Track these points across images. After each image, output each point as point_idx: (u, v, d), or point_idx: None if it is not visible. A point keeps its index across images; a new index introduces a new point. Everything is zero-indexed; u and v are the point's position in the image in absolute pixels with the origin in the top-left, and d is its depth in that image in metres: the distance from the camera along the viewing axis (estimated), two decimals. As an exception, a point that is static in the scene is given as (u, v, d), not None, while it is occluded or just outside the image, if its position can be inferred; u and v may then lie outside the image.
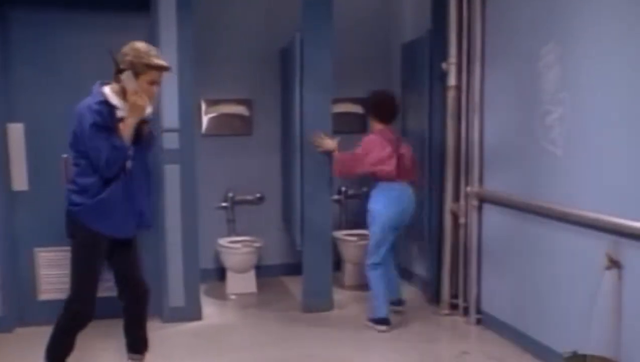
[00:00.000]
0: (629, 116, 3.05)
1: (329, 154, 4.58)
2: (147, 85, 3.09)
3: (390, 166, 4.29)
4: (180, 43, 4.35)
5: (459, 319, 4.58)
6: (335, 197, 5.64)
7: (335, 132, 4.73)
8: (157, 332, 4.15)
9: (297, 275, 5.19)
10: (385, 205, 4.32)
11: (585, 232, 3.33)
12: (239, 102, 5.61)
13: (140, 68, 3.05)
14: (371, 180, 4.47)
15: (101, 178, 3.07)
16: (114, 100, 3.09)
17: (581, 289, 3.38)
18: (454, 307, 4.69)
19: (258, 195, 5.70)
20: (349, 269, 5.50)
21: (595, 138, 3.28)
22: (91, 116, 3.00)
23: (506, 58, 4.11)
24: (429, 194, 4.90)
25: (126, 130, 3.07)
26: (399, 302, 4.69)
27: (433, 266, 4.91)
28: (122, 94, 3.09)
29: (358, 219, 5.33)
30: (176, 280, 4.51)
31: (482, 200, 4.41)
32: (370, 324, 4.41)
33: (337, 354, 4.00)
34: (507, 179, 4.14)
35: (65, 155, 3.22)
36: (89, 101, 3.07)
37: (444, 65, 4.55)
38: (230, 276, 5.33)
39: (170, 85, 4.36)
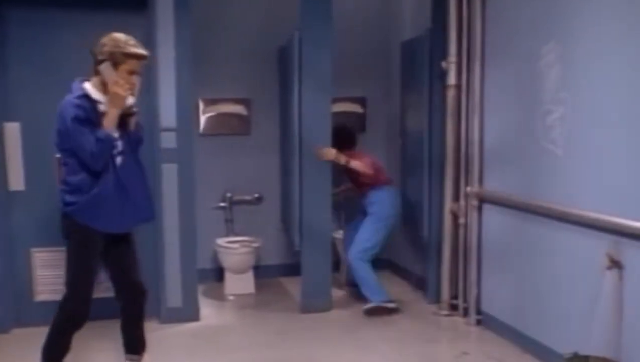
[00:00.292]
0: (629, 116, 3.04)
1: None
2: (126, 75, 3.06)
3: (384, 174, 4.92)
4: (178, 41, 4.33)
5: (459, 319, 4.57)
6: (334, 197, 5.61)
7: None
8: (154, 333, 4.13)
9: (295, 275, 5.18)
10: (385, 206, 4.78)
11: (585, 232, 3.32)
12: (237, 101, 5.59)
13: (119, 58, 3.03)
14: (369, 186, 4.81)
15: (91, 174, 3.05)
16: (96, 94, 3.07)
17: (582, 290, 3.36)
18: (453, 307, 4.67)
19: (256, 195, 5.68)
20: (348, 269, 5.48)
21: (595, 138, 3.27)
22: (72, 111, 2.98)
23: (506, 57, 4.09)
24: (429, 194, 4.88)
25: (109, 122, 3.03)
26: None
27: (432, 266, 4.89)
28: (103, 87, 3.06)
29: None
30: (174, 280, 4.49)
31: (482, 200, 4.39)
32: (374, 304, 4.66)
33: (336, 355, 3.98)
34: (507, 179, 4.12)
35: (58, 156, 3.19)
36: (69, 97, 3.05)
37: (443, 64, 4.54)
38: (228, 277, 5.31)
39: (167, 84, 4.36)
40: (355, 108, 5.90)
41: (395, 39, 5.64)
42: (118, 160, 3.14)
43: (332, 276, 4.94)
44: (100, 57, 3.05)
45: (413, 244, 5.44)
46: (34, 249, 4.34)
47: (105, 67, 3.03)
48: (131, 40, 3.09)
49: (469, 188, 4.46)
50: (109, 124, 3.04)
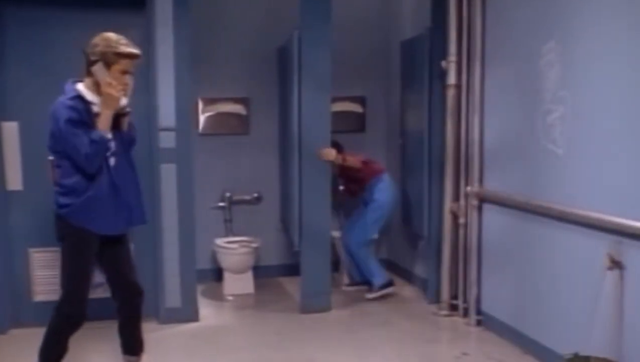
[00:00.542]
0: (630, 115, 3.03)
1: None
2: (119, 75, 3.03)
3: (377, 165, 5.26)
4: (177, 41, 4.32)
5: (459, 319, 4.56)
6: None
7: (334, 132, 4.72)
8: (153, 333, 4.11)
9: (295, 276, 5.17)
10: (381, 196, 5.08)
11: (586, 232, 3.30)
12: (236, 100, 5.58)
13: (111, 58, 3.00)
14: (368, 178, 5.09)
15: (85, 176, 3.03)
16: (89, 96, 3.04)
17: (582, 290, 3.35)
18: (453, 308, 4.66)
19: (255, 195, 5.67)
20: (346, 270, 5.46)
21: (596, 137, 3.25)
22: (65, 112, 2.96)
23: (506, 56, 4.08)
24: (429, 194, 4.87)
25: (103, 123, 3.01)
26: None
27: (432, 266, 4.87)
28: (96, 88, 3.04)
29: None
30: (173, 281, 4.47)
31: (482, 200, 4.38)
32: (378, 293, 5.04)
33: (335, 355, 3.97)
34: (507, 179, 4.11)
35: (51, 158, 3.17)
36: (62, 99, 3.02)
37: (443, 64, 4.52)
38: (227, 277, 5.29)
39: (166, 83, 4.35)
40: (355, 108, 5.88)
41: (395, 38, 5.63)
42: (112, 161, 3.12)
43: (332, 276, 4.93)
44: (92, 58, 3.02)
45: (413, 244, 5.43)
46: (32, 249, 4.32)
47: (98, 68, 3.00)
48: (123, 40, 3.06)
49: (469, 188, 4.45)
50: (103, 126, 3.01)
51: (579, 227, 3.37)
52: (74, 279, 3.12)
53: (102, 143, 2.99)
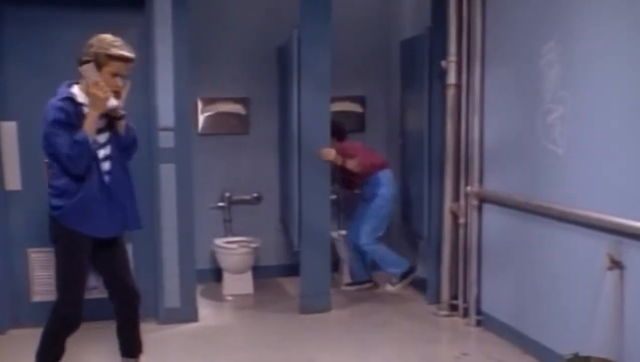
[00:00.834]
0: (630, 115, 3.02)
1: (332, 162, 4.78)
2: (109, 76, 3.00)
3: (380, 159, 5.18)
4: (176, 40, 4.31)
5: (459, 320, 4.55)
6: (333, 197, 5.58)
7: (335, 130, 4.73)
8: (152, 334, 4.10)
9: (294, 276, 5.16)
10: (386, 189, 5.06)
11: (586, 232, 3.29)
12: (235, 100, 5.57)
13: (102, 59, 2.98)
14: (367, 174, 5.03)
15: (74, 178, 3.01)
16: (82, 98, 3.02)
17: (582, 290, 3.34)
18: (453, 308, 4.65)
19: (255, 195, 5.66)
20: (346, 270, 5.45)
21: (596, 137, 3.25)
22: (52, 113, 2.95)
23: (507, 56, 4.07)
24: (429, 194, 4.86)
25: (88, 124, 2.97)
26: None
27: (432, 266, 4.86)
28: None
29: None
30: (172, 281, 4.46)
31: (482, 200, 4.37)
32: (401, 283, 5.05)
33: (335, 356, 3.96)
34: (507, 179, 4.10)
35: (46, 160, 3.17)
36: (53, 100, 3.01)
37: (443, 63, 4.51)
38: (226, 277, 5.28)
39: (165, 83, 4.34)
40: (355, 107, 5.88)
41: (395, 38, 5.62)
42: (106, 165, 3.09)
43: (332, 276, 4.92)
44: (85, 58, 3.00)
45: (413, 244, 5.42)
46: (30, 250, 4.31)
47: (86, 68, 2.97)
48: (118, 42, 3.03)
49: (469, 188, 4.44)
50: (88, 127, 2.97)
51: (579, 227, 3.36)
52: (67, 281, 3.11)
53: (85, 144, 2.94)
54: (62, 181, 3.03)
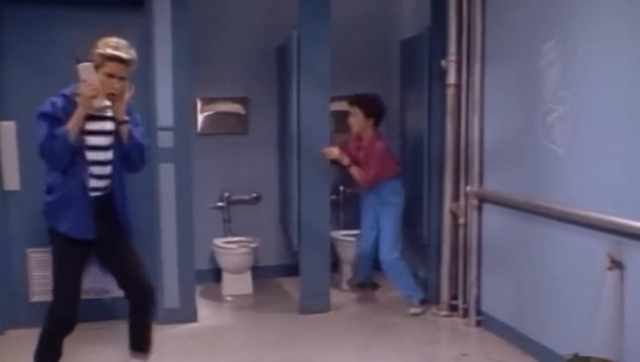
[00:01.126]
0: (630, 115, 3.01)
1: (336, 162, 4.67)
2: (105, 77, 2.99)
3: (396, 162, 4.86)
4: (175, 40, 4.30)
5: (459, 320, 4.54)
6: (333, 197, 5.58)
7: (335, 131, 4.71)
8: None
9: (294, 276, 5.15)
10: (399, 197, 4.75)
11: (586, 232, 3.29)
12: (235, 100, 5.56)
13: (98, 59, 2.99)
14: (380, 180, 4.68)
15: (61, 175, 3.00)
16: None
17: (582, 290, 3.34)
18: (453, 308, 4.65)
19: (254, 195, 5.65)
20: (346, 270, 5.44)
21: (596, 137, 3.24)
22: (44, 106, 2.97)
23: (507, 56, 4.07)
24: (428, 194, 4.85)
25: (72, 120, 2.94)
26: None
27: (432, 266, 4.86)
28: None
29: (356, 219, 5.26)
30: (171, 281, 4.45)
31: (482, 200, 4.36)
32: (417, 308, 4.69)
33: (335, 356, 3.96)
34: (507, 179, 4.09)
35: None
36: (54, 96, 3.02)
37: (443, 63, 4.51)
38: (226, 277, 5.27)
39: (165, 82, 4.33)
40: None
41: (395, 38, 5.62)
42: (97, 169, 3.07)
43: (331, 276, 4.91)
44: (88, 58, 3.00)
45: (412, 244, 5.41)
46: (29, 250, 4.30)
47: (81, 67, 2.96)
48: (115, 43, 3.01)
49: (468, 188, 4.43)
50: (71, 123, 2.94)
51: (579, 227, 3.35)
52: (60, 282, 3.10)
53: (61, 138, 2.91)
54: (51, 178, 3.04)
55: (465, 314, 4.52)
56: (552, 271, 3.64)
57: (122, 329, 3.47)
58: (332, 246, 5.19)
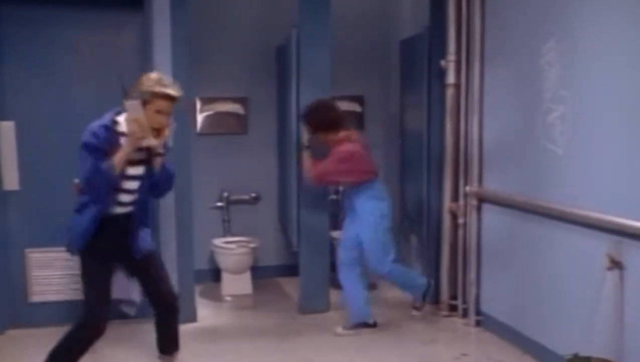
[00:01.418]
0: (630, 114, 3.01)
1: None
2: (153, 113, 3.02)
3: (372, 168, 4.28)
4: (174, 40, 4.29)
5: (458, 320, 4.54)
6: (333, 197, 5.57)
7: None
8: (151, 334, 4.07)
9: (293, 276, 5.14)
10: (378, 203, 4.21)
11: (586, 232, 3.29)
12: (234, 100, 5.55)
13: (147, 96, 3.01)
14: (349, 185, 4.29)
15: (92, 200, 3.05)
16: (124, 127, 3.04)
17: (582, 290, 3.33)
18: (453, 308, 4.64)
19: (254, 195, 5.64)
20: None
21: (596, 137, 3.24)
22: (86, 136, 2.98)
23: (506, 55, 4.06)
24: (428, 194, 4.85)
25: (118, 156, 2.98)
26: (374, 324, 4.44)
27: (431, 266, 4.85)
28: None
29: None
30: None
31: (482, 200, 4.36)
32: (425, 304, 4.53)
33: (334, 356, 3.95)
34: (507, 179, 4.09)
35: (76, 181, 3.19)
36: (94, 123, 3.04)
37: (442, 63, 4.51)
38: (225, 277, 5.27)
39: (164, 82, 4.31)
40: (354, 107, 5.86)
41: (394, 37, 5.61)
42: (126, 197, 3.12)
43: (331, 276, 4.90)
44: (134, 95, 3.03)
45: (411, 244, 5.40)
46: (28, 250, 4.29)
47: (129, 104, 3.00)
48: (163, 80, 3.07)
49: (468, 188, 4.43)
50: (117, 159, 2.98)
51: (579, 227, 3.35)
52: (89, 296, 3.15)
53: (107, 174, 2.96)
54: (84, 198, 3.08)
55: (465, 314, 4.52)
56: (552, 271, 3.64)
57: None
58: (332, 246, 5.18)
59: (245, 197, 5.62)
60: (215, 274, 5.43)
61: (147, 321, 3.53)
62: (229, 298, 5.17)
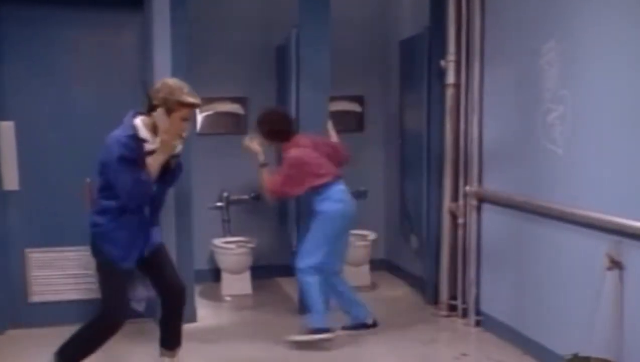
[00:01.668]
0: (630, 114, 3.01)
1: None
2: (179, 121, 3.11)
3: (327, 171, 4.03)
4: (174, 40, 4.28)
5: (458, 320, 4.54)
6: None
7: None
8: (150, 334, 4.08)
9: (293, 276, 5.10)
10: (331, 205, 4.02)
11: (586, 232, 3.29)
12: (234, 100, 5.56)
13: (173, 105, 3.08)
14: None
15: (119, 206, 3.11)
16: (144, 133, 3.11)
17: (582, 290, 3.33)
18: (452, 308, 4.64)
19: (253, 194, 5.64)
20: (345, 270, 5.42)
21: (596, 137, 3.24)
22: (119, 149, 3.02)
23: (506, 55, 4.07)
24: (427, 194, 4.85)
25: (153, 166, 3.10)
26: (373, 323, 4.29)
27: (431, 266, 4.85)
28: (153, 128, 3.11)
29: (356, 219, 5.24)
30: (170, 281, 4.44)
31: (481, 200, 4.36)
32: (301, 336, 4.03)
33: (334, 356, 3.95)
34: (506, 179, 4.09)
35: (88, 180, 3.20)
36: (119, 133, 3.09)
37: (442, 63, 4.51)
38: (225, 277, 5.27)
39: (164, 82, 4.32)
40: (354, 107, 5.87)
41: (394, 37, 5.62)
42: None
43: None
44: (154, 102, 3.10)
45: (411, 244, 5.40)
46: (28, 250, 4.28)
47: (158, 113, 3.07)
48: (185, 88, 3.13)
49: (468, 188, 4.43)
50: (153, 169, 3.09)
51: (578, 227, 3.35)
52: (109, 295, 3.21)
53: (147, 184, 3.07)
54: (112, 203, 3.12)
55: (465, 314, 4.52)
56: (551, 271, 3.64)
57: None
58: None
59: (245, 197, 5.62)
60: (215, 274, 5.43)
61: (152, 321, 3.58)
62: (228, 298, 5.17)
